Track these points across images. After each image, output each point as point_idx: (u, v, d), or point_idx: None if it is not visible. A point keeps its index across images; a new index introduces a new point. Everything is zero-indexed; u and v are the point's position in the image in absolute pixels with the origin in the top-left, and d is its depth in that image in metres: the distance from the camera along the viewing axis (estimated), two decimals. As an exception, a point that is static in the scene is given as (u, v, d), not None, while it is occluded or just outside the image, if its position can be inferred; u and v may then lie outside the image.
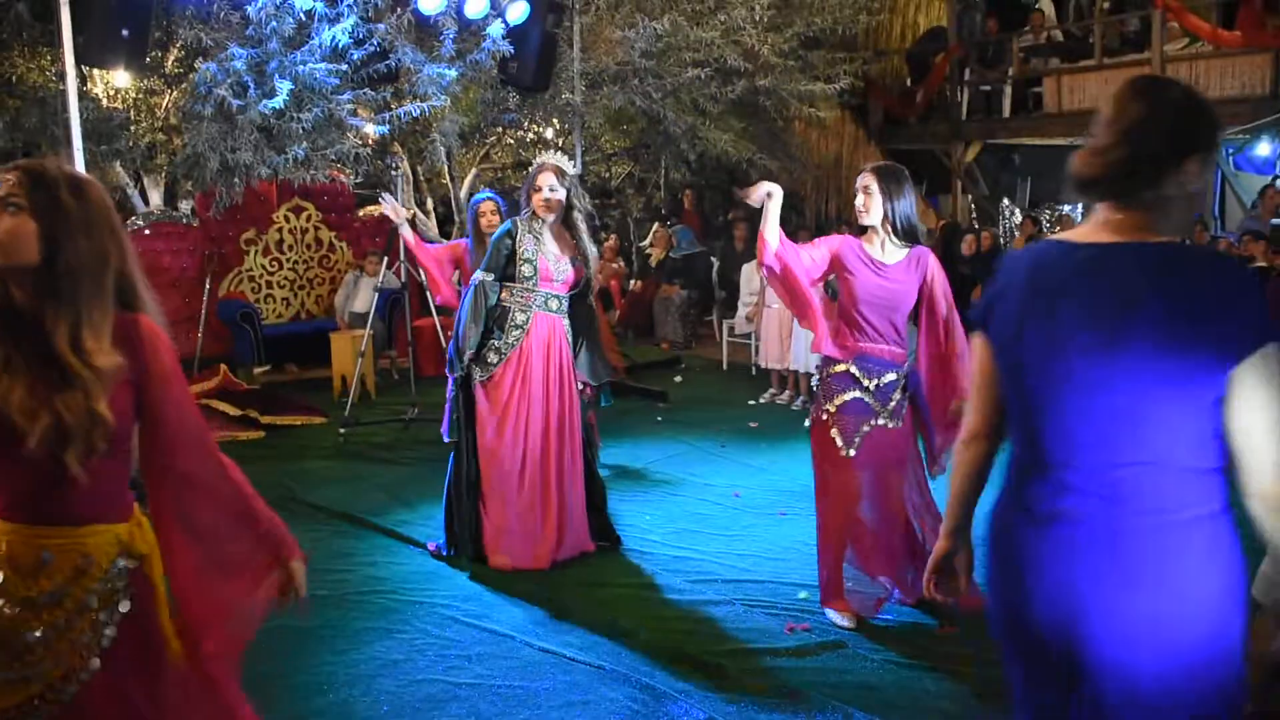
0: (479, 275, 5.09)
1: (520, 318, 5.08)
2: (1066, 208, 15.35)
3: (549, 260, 5.08)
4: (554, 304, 5.14)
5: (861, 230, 4.37)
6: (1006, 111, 14.93)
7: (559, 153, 5.36)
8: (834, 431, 4.30)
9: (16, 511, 2.03)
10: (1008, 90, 14.90)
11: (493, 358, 5.04)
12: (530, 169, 5.24)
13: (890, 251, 4.29)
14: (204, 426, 2.25)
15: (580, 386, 5.25)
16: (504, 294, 5.10)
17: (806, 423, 4.56)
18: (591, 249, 5.23)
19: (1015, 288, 2.09)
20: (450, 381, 5.23)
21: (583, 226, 5.17)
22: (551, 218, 5.10)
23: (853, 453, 4.27)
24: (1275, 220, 10.92)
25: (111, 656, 2.08)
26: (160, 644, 2.17)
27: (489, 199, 6.49)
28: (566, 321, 5.21)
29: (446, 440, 5.31)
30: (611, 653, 4.22)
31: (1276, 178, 12.38)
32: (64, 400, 1.96)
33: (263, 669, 4.09)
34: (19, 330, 2.02)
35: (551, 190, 5.04)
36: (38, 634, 2.00)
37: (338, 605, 4.74)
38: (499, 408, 5.05)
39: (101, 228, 2.06)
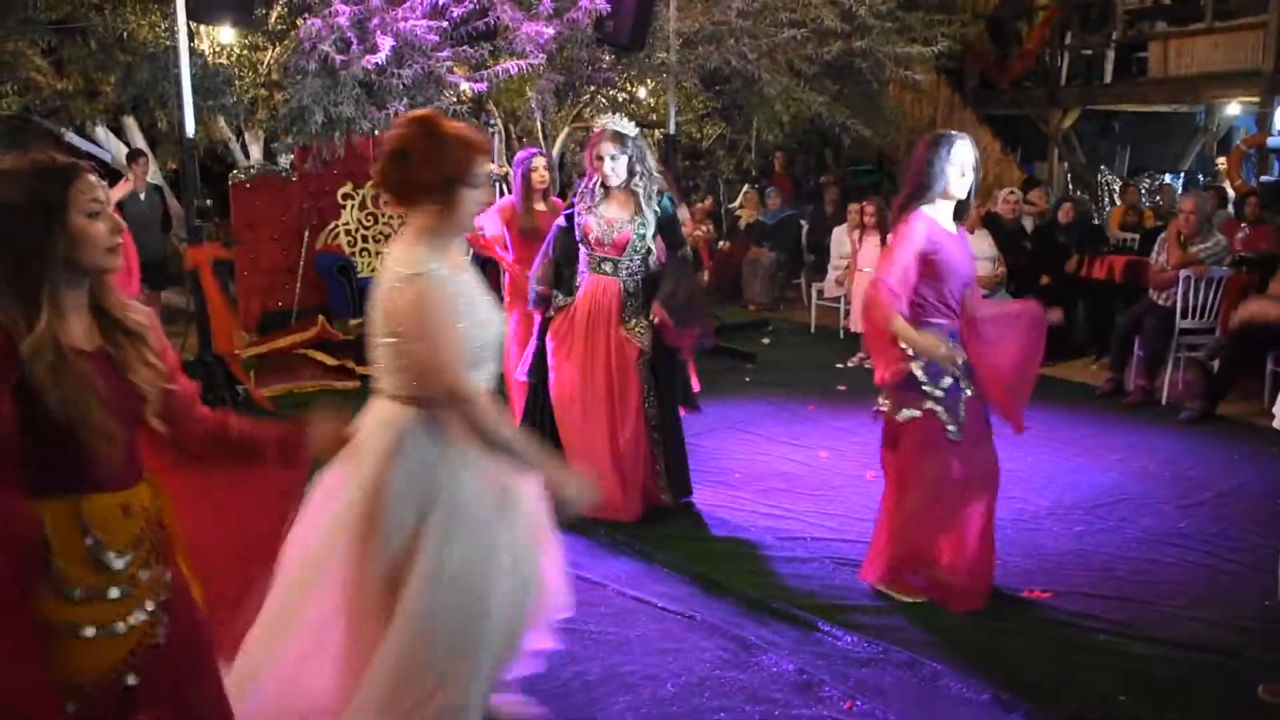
0: (560, 223, 5.26)
1: (577, 279, 5.19)
2: (1168, 177, 14.99)
3: (596, 224, 5.06)
4: (607, 267, 5.11)
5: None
6: (1108, 76, 14.57)
7: (618, 115, 5.28)
8: (943, 417, 4.11)
9: (82, 484, 2.08)
10: (1110, 54, 14.52)
11: (558, 304, 5.19)
12: (591, 133, 5.13)
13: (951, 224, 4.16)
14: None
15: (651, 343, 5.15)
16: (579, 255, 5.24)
17: (889, 413, 4.28)
18: (650, 211, 5.07)
19: None
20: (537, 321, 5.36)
21: (643, 190, 5.05)
22: (618, 183, 5.04)
23: (960, 435, 4.12)
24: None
25: (173, 601, 2.22)
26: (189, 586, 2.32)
27: (540, 155, 6.49)
28: (623, 284, 5.13)
29: (521, 379, 5.41)
30: (702, 604, 4.31)
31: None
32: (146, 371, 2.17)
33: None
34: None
35: (613, 159, 4.96)
36: (116, 592, 2.10)
37: (435, 549, 4.88)
38: (557, 357, 5.17)
39: None
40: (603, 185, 5.07)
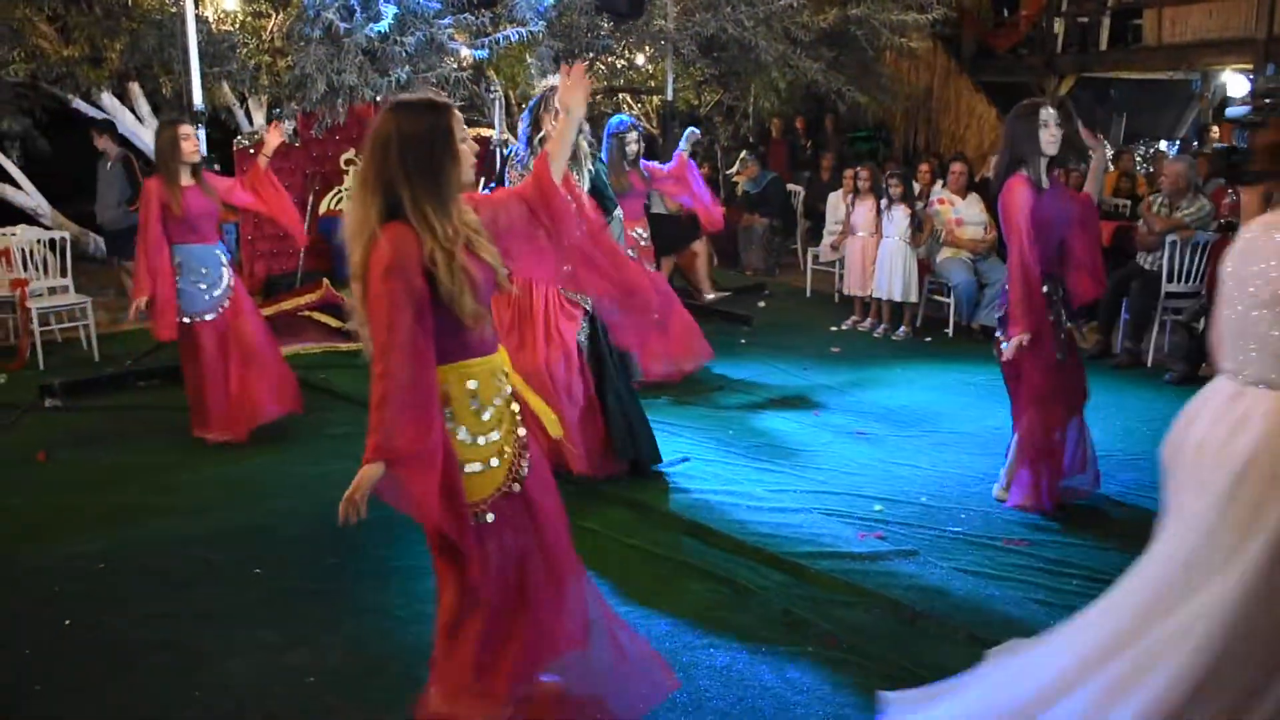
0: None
1: None
2: (1163, 144, 15.09)
3: None
4: None
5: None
6: (1104, 44, 14.65)
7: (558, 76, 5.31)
8: (1050, 344, 4.80)
9: (465, 352, 2.74)
10: (1106, 22, 14.60)
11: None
12: (541, 92, 5.09)
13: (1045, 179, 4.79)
14: None
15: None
16: None
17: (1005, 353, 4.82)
18: (585, 169, 5.13)
19: None
20: None
21: (586, 149, 5.05)
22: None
23: (1064, 357, 4.85)
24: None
25: (530, 437, 2.93)
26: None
27: (633, 125, 6.98)
28: None
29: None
30: (696, 550, 4.52)
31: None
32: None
33: (376, 554, 4.48)
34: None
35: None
36: (494, 434, 2.80)
37: (440, 501, 5.08)
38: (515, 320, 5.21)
39: None
40: (541, 142, 5.07)
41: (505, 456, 2.82)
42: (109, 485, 5.44)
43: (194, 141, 5.88)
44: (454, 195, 2.66)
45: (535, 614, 2.89)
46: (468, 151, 2.70)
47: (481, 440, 2.78)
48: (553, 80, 5.15)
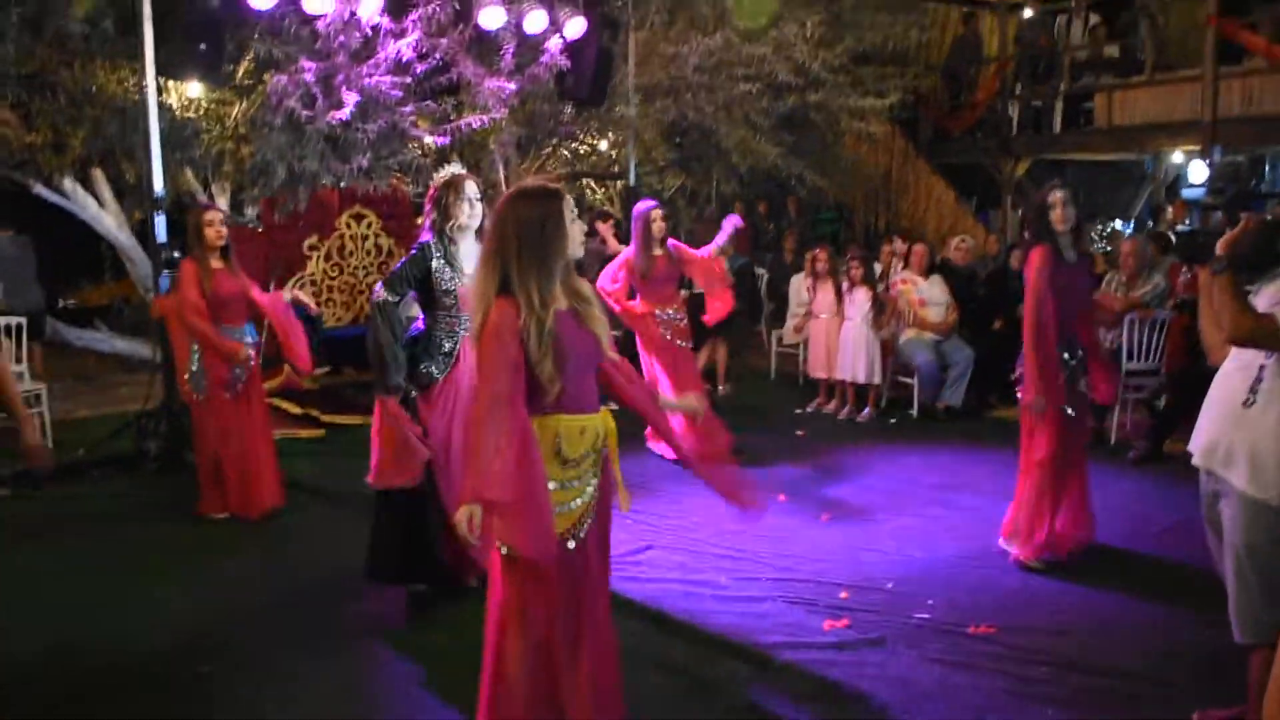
0: (382, 296, 4.76)
1: (447, 345, 4.80)
2: (1118, 223, 15.38)
3: (469, 285, 4.44)
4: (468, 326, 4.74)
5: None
6: (1057, 127, 14.97)
7: (457, 165, 5.04)
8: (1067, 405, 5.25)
9: (554, 408, 3.06)
10: (1058, 105, 14.94)
11: (424, 380, 4.76)
12: (442, 181, 4.77)
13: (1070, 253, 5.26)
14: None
15: None
16: (431, 321, 4.83)
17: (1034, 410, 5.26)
18: None
19: None
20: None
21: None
22: (475, 228, 4.78)
23: (1074, 413, 5.32)
24: None
25: (599, 499, 3.23)
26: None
27: (658, 207, 7.11)
28: None
29: (373, 483, 4.81)
30: (658, 641, 4.43)
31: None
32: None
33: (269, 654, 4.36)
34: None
35: (477, 199, 4.70)
36: (571, 484, 3.11)
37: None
38: (442, 425, 4.76)
39: None
40: (454, 241, 4.79)
41: (573, 509, 3.11)
42: (55, 577, 5.30)
43: (217, 228, 6.21)
44: (561, 269, 3.05)
45: (572, 671, 3.17)
46: (577, 231, 3.13)
47: (561, 487, 3.08)
48: (453, 169, 4.86)
